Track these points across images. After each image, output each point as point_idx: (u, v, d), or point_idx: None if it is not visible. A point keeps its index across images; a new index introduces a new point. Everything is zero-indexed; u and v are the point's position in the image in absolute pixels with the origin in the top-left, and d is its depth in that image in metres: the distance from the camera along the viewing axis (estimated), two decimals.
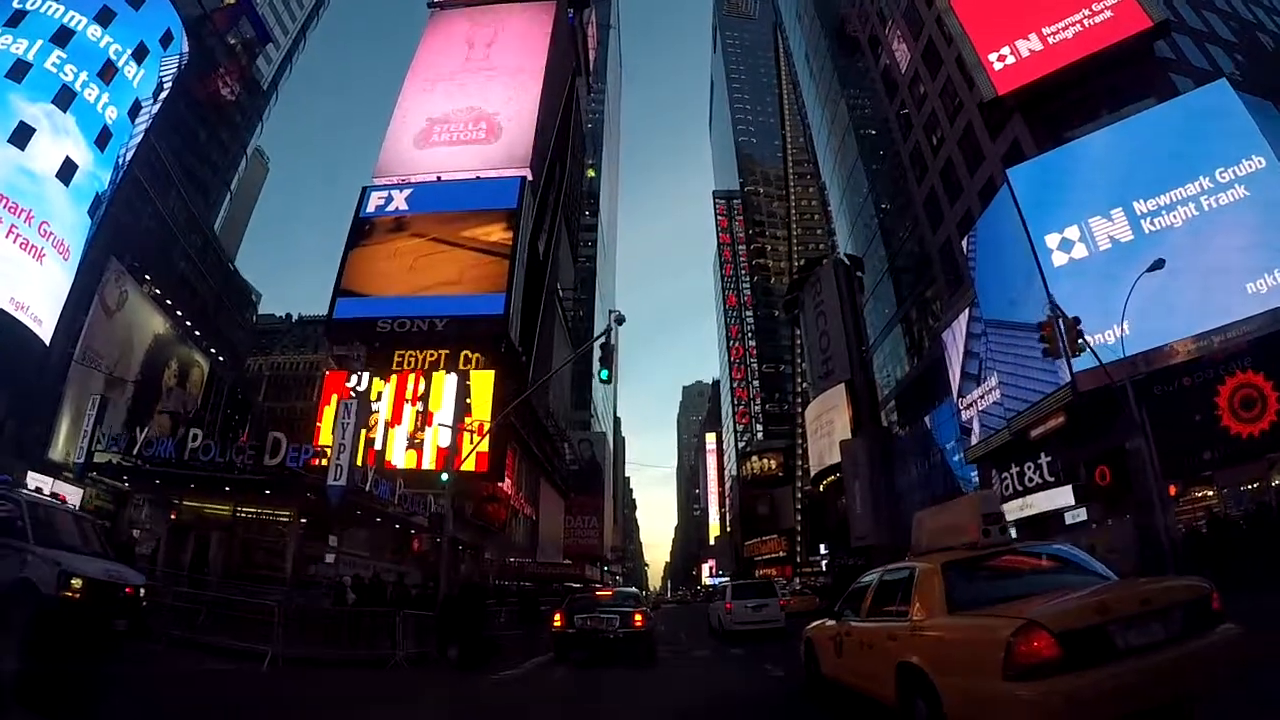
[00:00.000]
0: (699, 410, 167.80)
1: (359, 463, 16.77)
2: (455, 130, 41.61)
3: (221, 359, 43.61)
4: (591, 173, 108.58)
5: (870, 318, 53.04)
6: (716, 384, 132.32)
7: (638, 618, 12.14)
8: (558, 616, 12.48)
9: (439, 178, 38.84)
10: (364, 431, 19.30)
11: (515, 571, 40.29)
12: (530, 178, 38.50)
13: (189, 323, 38.78)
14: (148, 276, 36.28)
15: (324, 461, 16.49)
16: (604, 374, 11.97)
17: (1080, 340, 14.35)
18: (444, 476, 14.67)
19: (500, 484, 32.98)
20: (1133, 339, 21.92)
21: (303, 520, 16.24)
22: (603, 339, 11.82)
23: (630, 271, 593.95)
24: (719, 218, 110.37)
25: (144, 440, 17.57)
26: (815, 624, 7.75)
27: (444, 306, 32.64)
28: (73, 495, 22.48)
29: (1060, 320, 14.58)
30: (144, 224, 39.59)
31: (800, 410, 78.04)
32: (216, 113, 56.49)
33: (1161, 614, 4.07)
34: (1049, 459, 25.15)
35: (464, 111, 42.42)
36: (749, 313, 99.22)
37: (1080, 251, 24.02)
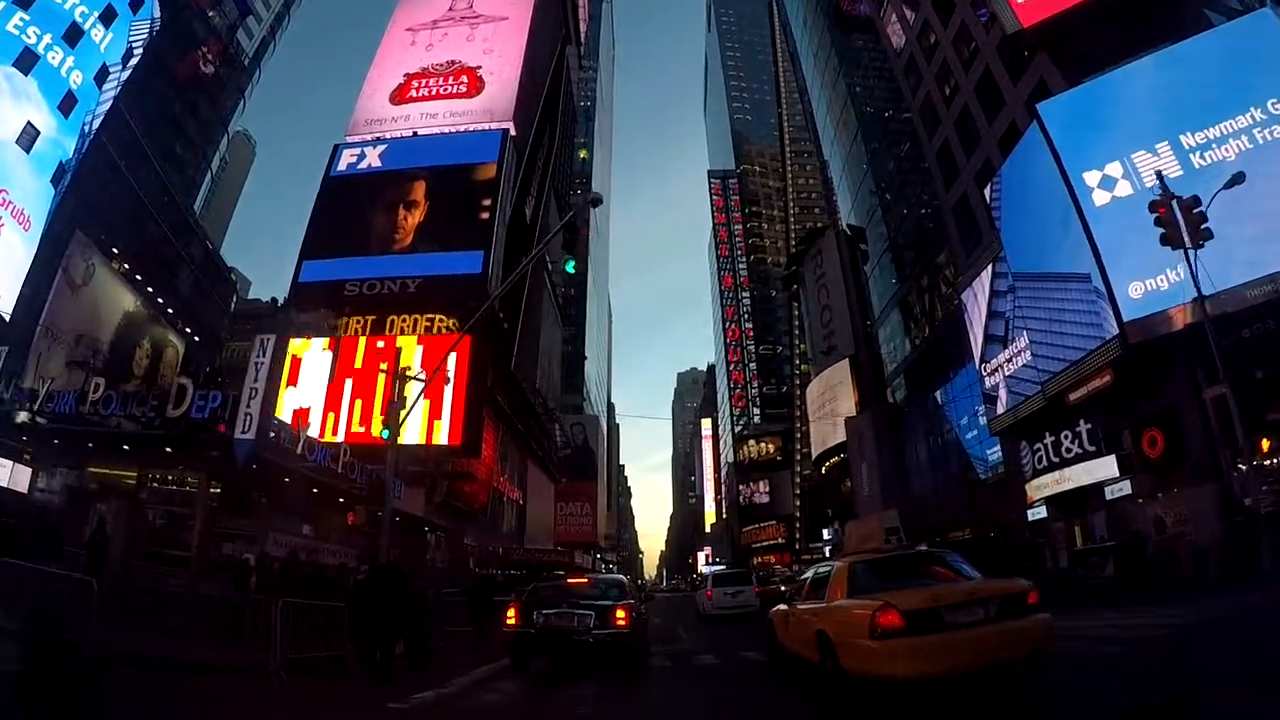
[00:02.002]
0: (694, 397, 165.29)
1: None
2: (434, 85, 38.72)
3: (198, 340, 40.96)
4: (584, 153, 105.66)
5: (874, 286, 50.43)
6: (712, 369, 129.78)
7: (620, 614, 9.09)
8: (511, 612, 9.34)
9: (415, 133, 36.05)
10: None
11: (500, 558, 37.61)
12: (514, 133, 35.62)
13: (160, 300, 36.13)
14: (115, 250, 33.93)
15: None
16: (569, 265, 9.27)
17: (1204, 226, 11.41)
18: (384, 432, 11.88)
19: (477, 460, 30.25)
20: (1185, 284, 19.38)
21: (214, 488, 13.34)
22: (570, 218, 9.11)
23: (624, 260, 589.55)
24: (714, 198, 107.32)
25: (45, 394, 14.73)
26: (776, 607, 9.74)
27: (417, 266, 29.86)
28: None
29: (1175, 200, 11.69)
30: (114, 198, 37.15)
31: (799, 393, 75.48)
32: (195, 86, 53.46)
33: (982, 603, 5.87)
34: (1088, 426, 22.53)
35: (444, 66, 39.54)
36: (745, 294, 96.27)
37: (1124, 189, 21.35)
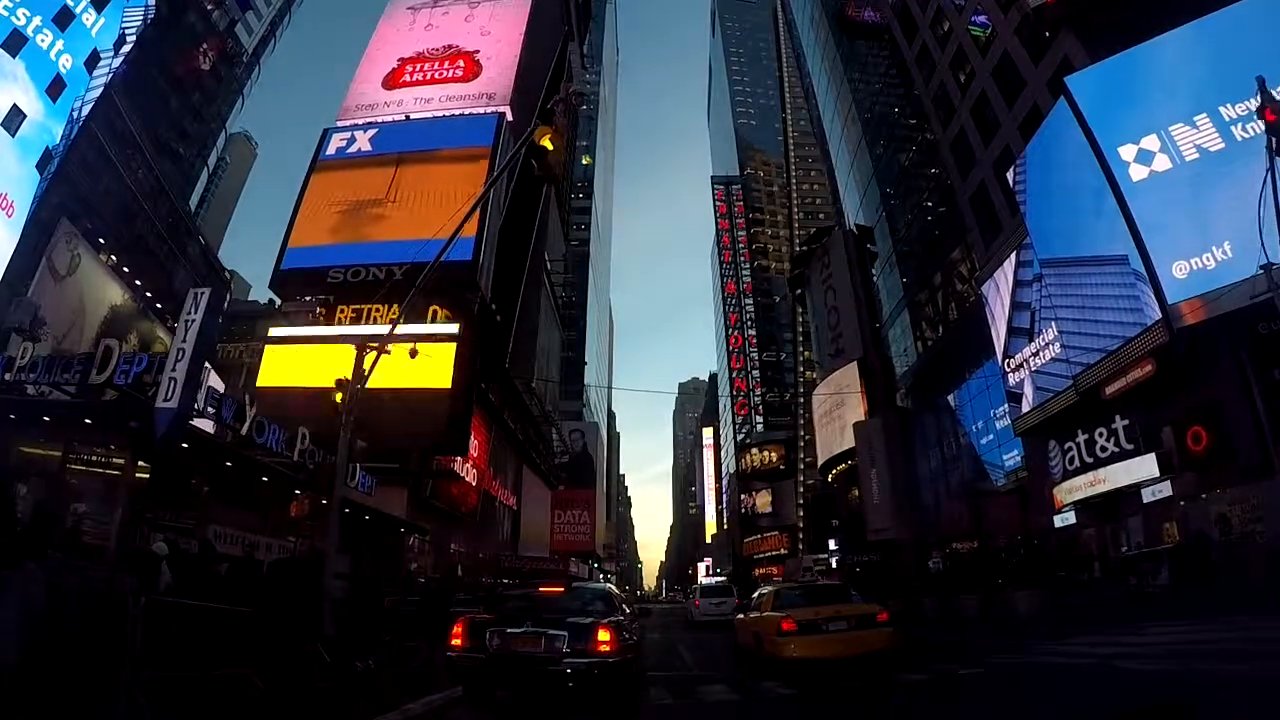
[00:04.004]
0: (695, 406, 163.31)
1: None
2: (429, 70, 37.28)
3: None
4: (587, 159, 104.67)
5: (881, 286, 48.90)
6: (714, 377, 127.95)
7: (604, 635, 6.83)
8: (456, 629, 7.13)
9: (407, 117, 34.57)
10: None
11: (490, 565, 35.74)
12: (510, 118, 34.10)
13: (149, 294, 34.68)
14: (101, 240, 32.68)
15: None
16: (541, 139, 7.58)
17: None
18: (337, 396, 10.17)
19: (465, 459, 28.48)
20: (1235, 263, 17.75)
21: (140, 471, 11.37)
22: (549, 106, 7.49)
23: (625, 269, 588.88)
24: (717, 203, 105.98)
25: None
26: (737, 616, 14.16)
27: (403, 253, 28.00)
28: None
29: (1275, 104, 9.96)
30: (104, 190, 35.97)
31: (803, 400, 73.71)
32: (193, 82, 52.37)
33: (846, 618, 9.60)
34: (1125, 422, 20.73)
35: (439, 50, 38.13)
36: (748, 300, 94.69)
37: (1163, 163, 19.73)
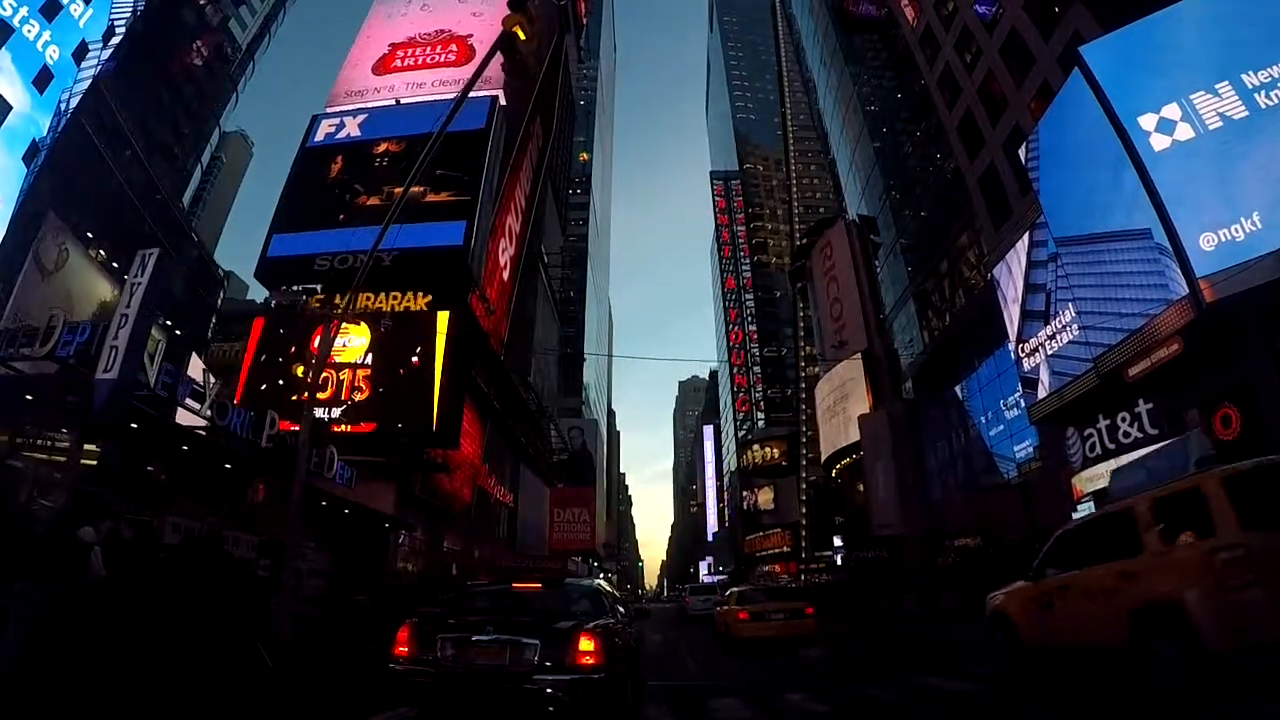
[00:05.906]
0: (696, 405, 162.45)
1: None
2: (421, 54, 36.45)
3: (180, 334, 38.70)
4: (585, 156, 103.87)
5: (886, 276, 47.95)
6: (714, 374, 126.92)
7: (585, 645, 5.40)
8: (402, 636, 5.69)
9: (398, 101, 33.69)
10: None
11: (485, 564, 34.71)
12: (504, 102, 33.18)
13: None
14: (90, 235, 31.80)
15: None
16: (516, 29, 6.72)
17: None
18: (298, 369, 9.19)
19: (457, 453, 27.48)
20: (1265, 234, 16.82)
21: (87, 456, 10.27)
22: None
23: (625, 270, 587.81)
24: (716, 199, 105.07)
25: None
26: (717, 608, 18.72)
27: (391, 238, 27.17)
28: None
29: None
30: (93, 184, 35.23)
31: (805, 396, 72.75)
32: (185, 77, 51.48)
33: (783, 610, 14.83)
34: (1149, 406, 19.71)
35: (432, 35, 37.32)
36: (748, 295, 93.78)
37: (1185, 132, 18.71)
